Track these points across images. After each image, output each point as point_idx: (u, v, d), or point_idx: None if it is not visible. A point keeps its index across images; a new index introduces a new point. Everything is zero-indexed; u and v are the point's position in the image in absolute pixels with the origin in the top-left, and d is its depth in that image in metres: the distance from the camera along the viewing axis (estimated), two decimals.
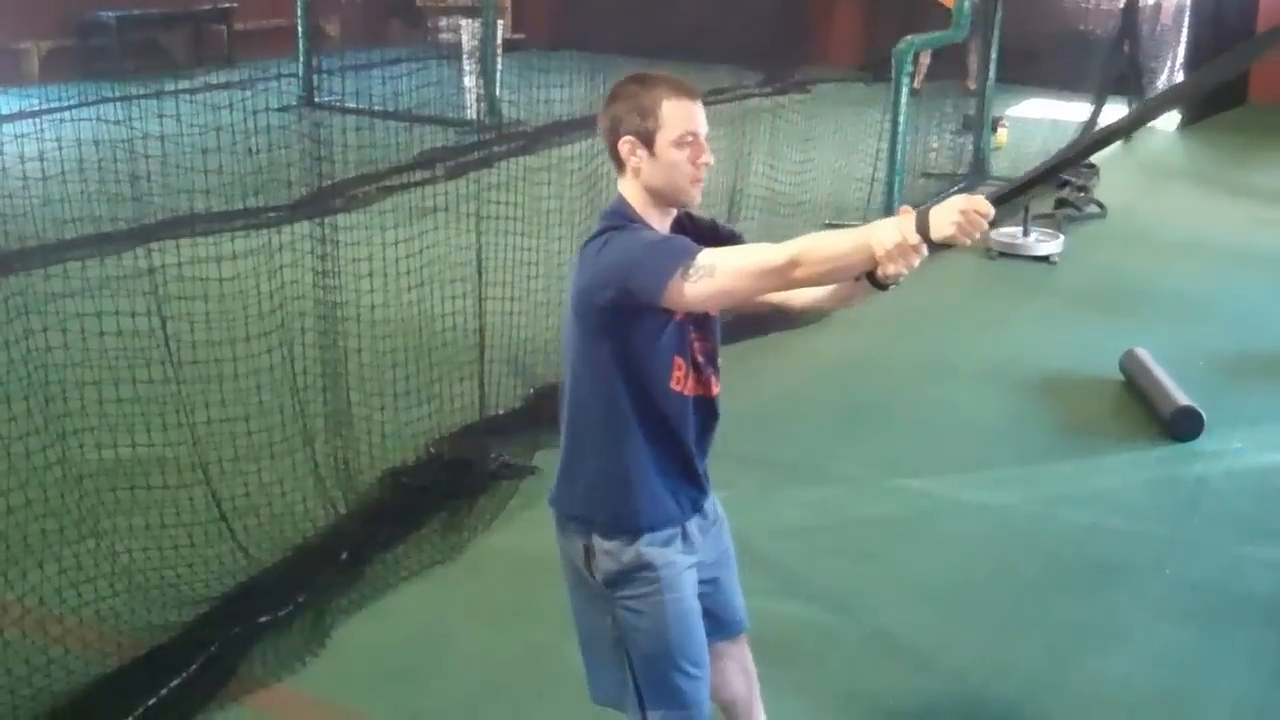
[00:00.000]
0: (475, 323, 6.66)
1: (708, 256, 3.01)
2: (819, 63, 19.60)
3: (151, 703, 4.47)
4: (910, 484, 6.26)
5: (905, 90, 10.85)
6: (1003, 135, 14.30)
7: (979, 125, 13.29)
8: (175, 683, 4.57)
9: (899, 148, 11.00)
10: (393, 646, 4.93)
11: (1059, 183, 12.42)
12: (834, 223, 10.75)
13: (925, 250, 2.88)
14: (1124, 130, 3.03)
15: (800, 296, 3.47)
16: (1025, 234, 10.56)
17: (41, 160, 5.29)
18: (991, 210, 2.88)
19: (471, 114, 14.16)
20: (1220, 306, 9.37)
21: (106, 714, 4.39)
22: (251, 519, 5.40)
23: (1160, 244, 11.19)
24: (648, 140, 3.20)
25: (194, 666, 4.66)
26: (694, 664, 3.38)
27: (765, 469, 6.41)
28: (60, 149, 6.39)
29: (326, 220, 5.78)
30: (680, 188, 3.22)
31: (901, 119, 10.65)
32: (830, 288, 3.38)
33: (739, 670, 3.81)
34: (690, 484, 3.42)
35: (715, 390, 3.43)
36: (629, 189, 3.28)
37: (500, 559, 5.48)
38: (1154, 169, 14.63)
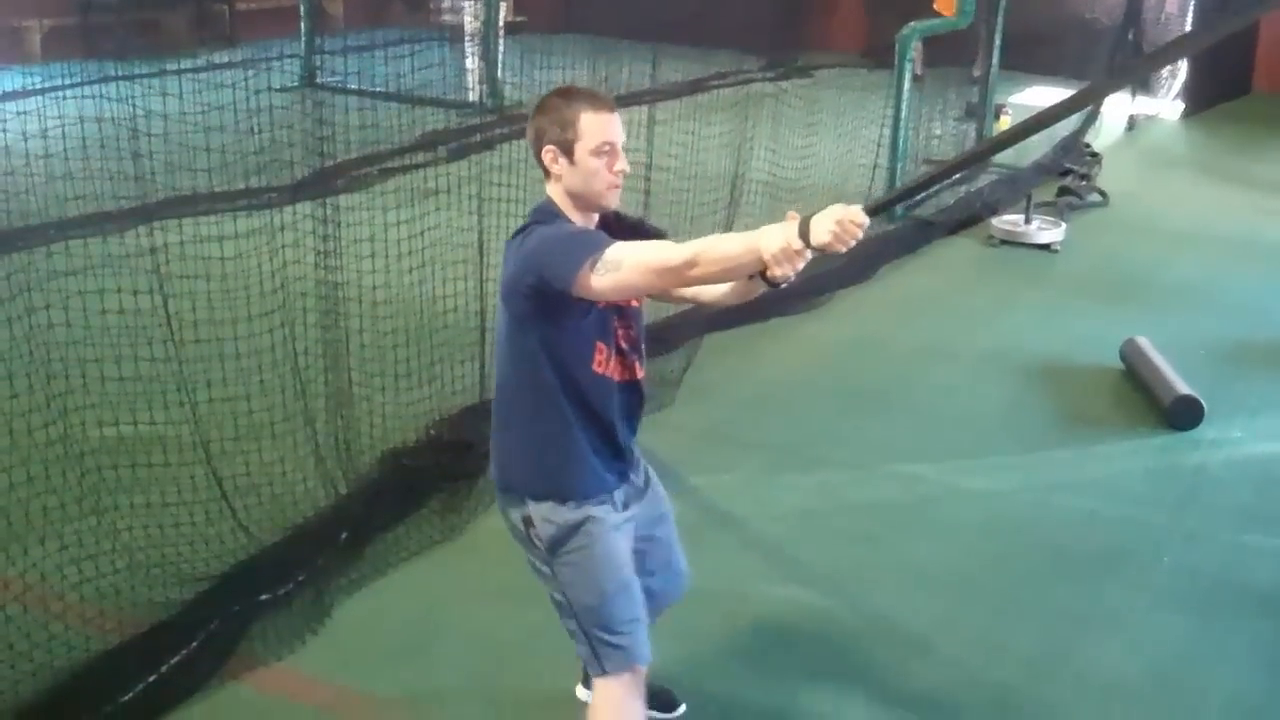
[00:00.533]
0: (476, 305, 6.67)
1: (615, 251, 3.29)
2: (821, 48, 19.57)
3: (151, 679, 4.49)
4: (909, 469, 6.27)
5: (908, 76, 10.85)
6: (1005, 122, 14.26)
7: (982, 112, 13.27)
8: (175, 660, 4.59)
9: (901, 134, 11.00)
10: (392, 626, 4.94)
11: (1061, 170, 12.43)
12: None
13: (808, 254, 3.16)
14: (1043, 124, 3.06)
15: (706, 292, 3.74)
16: (1027, 222, 10.56)
17: (44, 138, 5.29)
18: (866, 220, 3.15)
19: (473, 96, 14.15)
20: (1221, 296, 9.37)
21: (107, 690, 4.40)
22: (252, 498, 5.41)
23: (1162, 233, 11.18)
24: (568, 150, 3.49)
25: (194, 644, 4.67)
26: (632, 611, 3.67)
27: (765, 453, 6.42)
28: (63, 126, 6.38)
29: (328, 201, 5.78)
30: (598, 192, 3.52)
31: (904, 105, 10.64)
32: (727, 285, 3.65)
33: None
34: (615, 457, 3.70)
35: (640, 374, 3.73)
36: (554, 192, 3.57)
37: (499, 540, 5.42)
38: (1157, 158, 14.63)
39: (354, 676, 4.69)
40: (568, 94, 3.56)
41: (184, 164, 6.00)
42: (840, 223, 3.12)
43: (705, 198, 8.30)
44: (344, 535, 5.39)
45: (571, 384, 3.56)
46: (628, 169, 3.56)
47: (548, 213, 3.55)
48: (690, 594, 5.08)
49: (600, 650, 3.65)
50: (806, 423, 6.83)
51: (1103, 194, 12.08)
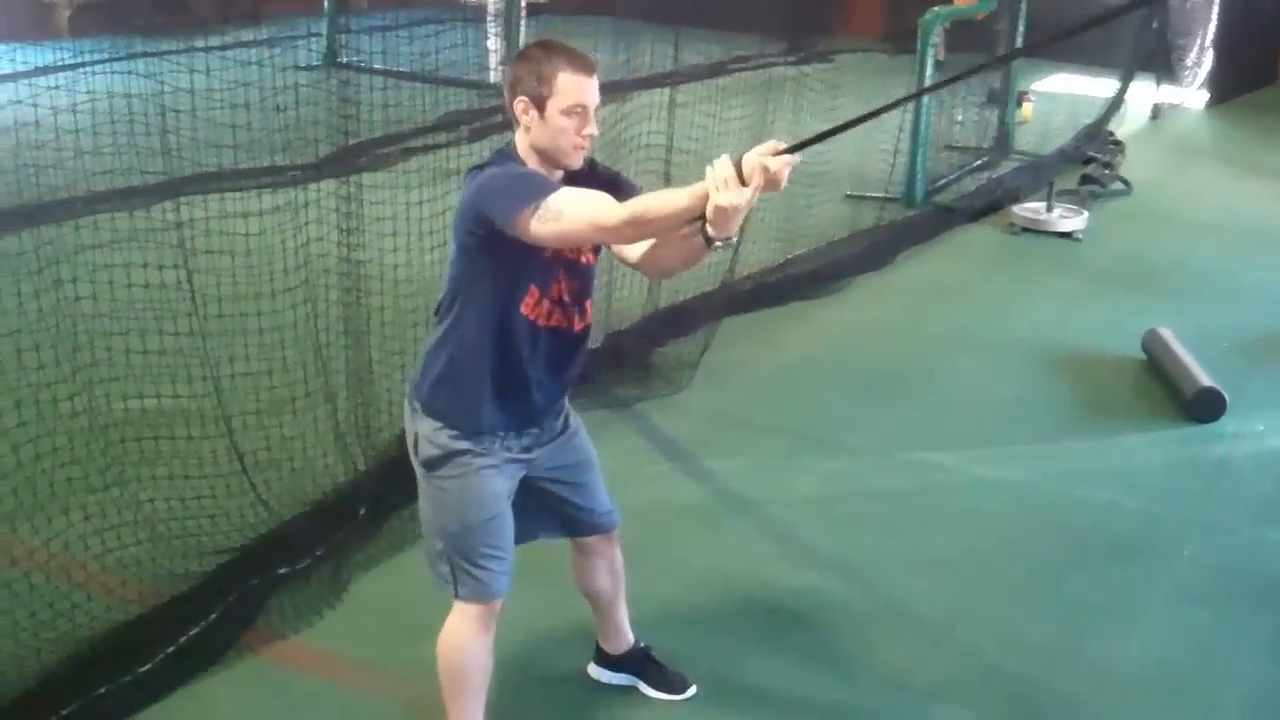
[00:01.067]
0: None
1: (559, 199, 3.36)
2: (843, 33, 19.53)
3: (170, 650, 4.52)
4: (928, 457, 6.27)
5: (930, 62, 10.83)
6: (1028, 109, 14.28)
7: (1004, 99, 13.25)
8: (194, 631, 4.62)
9: (923, 120, 11.00)
10: (408, 601, 4.96)
11: (1084, 158, 12.41)
12: (855, 194, 10.76)
13: (747, 196, 3.16)
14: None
15: (650, 255, 3.71)
16: (1049, 209, 10.54)
17: (74, 113, 5.31)
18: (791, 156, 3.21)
19: (495, 77, 14.13)
20: (1245, 287, 9.36)
21: (127, 659, 4.43)
22: (272, 472, 5.44)
23: (1186, 223, 11.15)
24: (540, 104, 3.50)
25: (213, 616, 4.71)
26: (494, 548, 3.74)
27: (782, 438, 6.42)
28: (92, 102, 6.40)
29: (351, 179, 5.79)
30: (563, 150, 3.54)
31: None
32: (673, 249, 3.58)
33: (606, 567, 4.23)
34: (519, 404, 3.73)
35: (577, 327, 3.75)
36: (519, 142, 3.60)
37: None
38: (1181, 147, 14.59)
39: (370, 651, 4.72)
40: (549, 48, 3.55)
41: (210, 140, 6.01)
42: (764, 155, 3.17)
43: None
44: (362, 511, 5.42)
45: (496, 321, 3.61)
46: (596, 133, 3.57)
47: (506, 156, 3.59)
48: (705, 577, 5.14)
49: (458, 575, 3.74)
50: (824, 408, 6.83)
51: (1126, 182, 12.05)
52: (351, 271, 5.70)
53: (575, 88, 3.49)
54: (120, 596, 4.77)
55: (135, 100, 6.19)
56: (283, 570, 5.04)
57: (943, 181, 11.65)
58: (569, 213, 3.34)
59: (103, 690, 4.29)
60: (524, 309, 3.62)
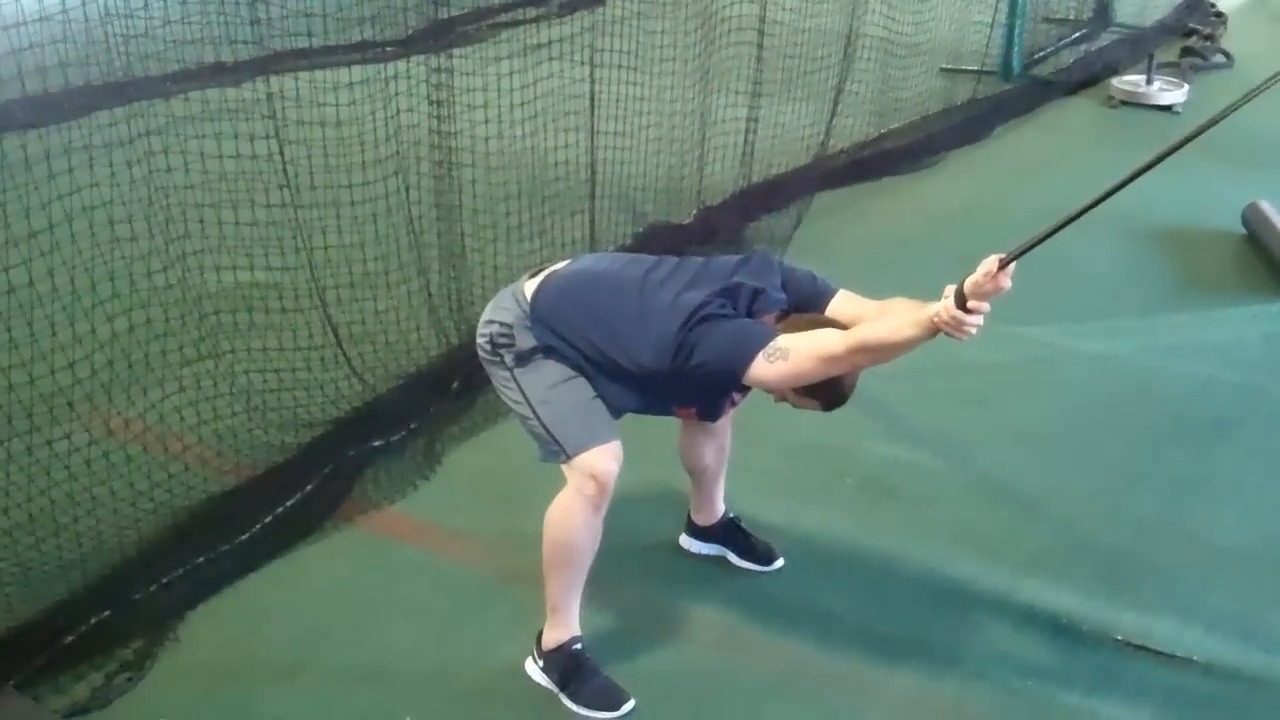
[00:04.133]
0: (586, 159, 6.63)
1: (784, 340, 3.47)
2: None
3: (268, 520, 4.59)
4: (1022, 331, 6.19)
5: None
6: None
7: None
8: (291, 502, 4.69)
9: None
10: (502, 474, 5.00)
11: (1185, 30, 12.10)
12: (951, 67, 10.55)
13: (983, 309, 3.26)
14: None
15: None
16: (1149, 83, 10.30)
17: None
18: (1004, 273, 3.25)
19: None
20: None
21: (225, 530, 4.51)
22: (366, 346, 5.48)
23: None
24: None
25: (309, 487, 4.77)
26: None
27: None
28: None
29: (440, 54, 5.75)
30: None
31: None
32: None
33: (715, 446, 4.30)
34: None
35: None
36: None
37: None
38: None
39: (463, 521, 4.78)
40: None
41: (300, 9, 5.98)
42: (974, 280, 3.25)
43: (818, 52, 8.17)
44: (455, 385, 5.45)
45: (652, 401, 3.82)
46: None
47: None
48: (797, 449, 5.13)
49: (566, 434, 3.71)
50: (917, 282, 6.66)
51: (1227, 55, 11.73)
52: (442, 145, 5.67)
53: None
54: (216, 468, 4.84)
55: None
56: (378, 443, 5.10)
57: (1040, 54, 11.40)
58: (795, 350, 3.41)
59: (201, 560, 4.38)
60: (678, 411, 3.96)
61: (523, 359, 3.71)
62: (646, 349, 3.58)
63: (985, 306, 3.25)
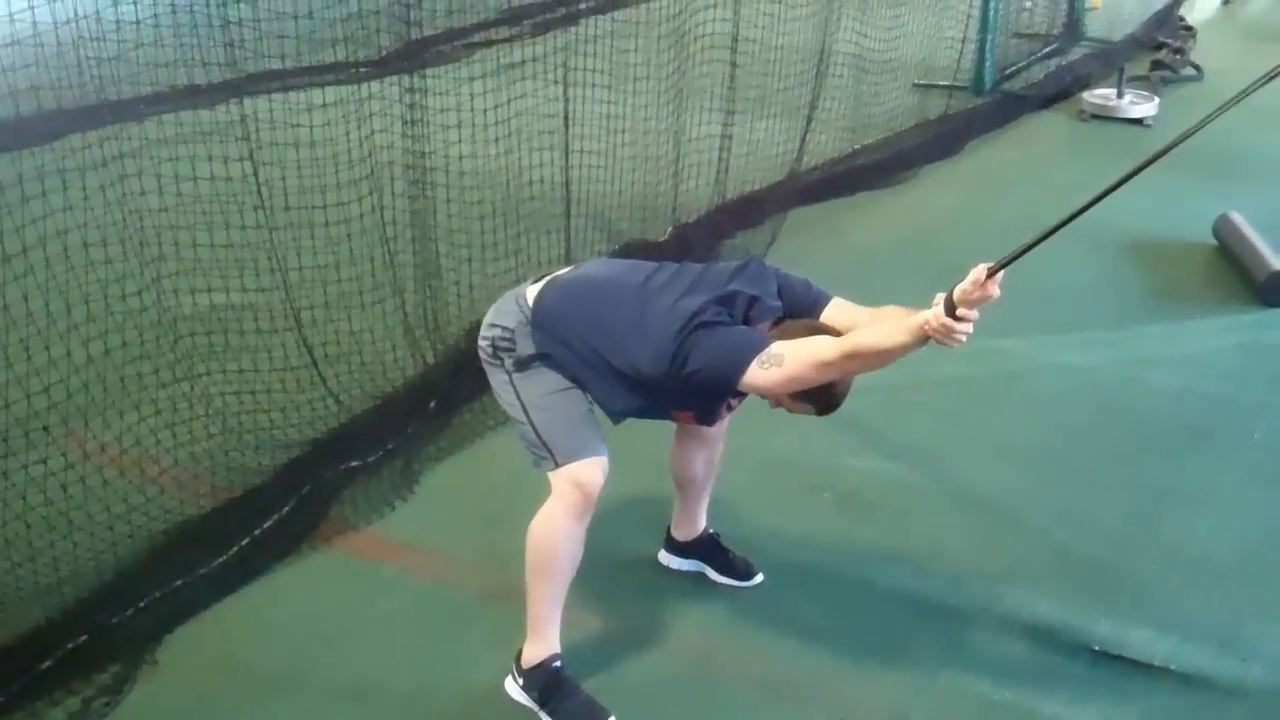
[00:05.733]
0: (561, 178, 6.64)
1: (778, 347, 3.50)
2: None
3: (245, 542, 4.58)
4: (997, 344, 6.19)
5: None
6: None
7: None
8: (268, 523, 4.68)
9: (991, 7, 10.80)
10: (478, 492, 5.01)
11: (1155, 44, 12.17)
12: (923, 83, 10.58)
13: (971, 317, 3.32)
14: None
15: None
16: (1119, 96, 10.37)
17: (135, 3, 5.29)
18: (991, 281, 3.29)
19: None
20: None
21: (202, 552, 4.49)
22: (342, 366, 5.48)
23: (1258, 108, 10.81)
24: None
25: (286, 508, 4.76)
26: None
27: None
28: None
29: (414, 73, 5.75)
30: None
31: None
32: None
33: (706, 457, 4.31)
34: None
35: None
36: None
37: None
38: (1253, 32, 14.25)
39: (441, 541, 4.77)
40: None
41: (273, 33, 5.99)
42: (963, 288, 3.29)
43: (791, 69, 8.20)
44: (432, 404, 5.45)
45: (650, 405, 3.82)
46: None
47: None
48: (772, 465, 5.13)
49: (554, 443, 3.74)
50: (891, 296, 6.67)
51: (1197, 68, 11.80)
52: (417, 165, 5.68)
53: None
54: (193, 490, 4.82)
55: None
56: (355, 463, 5.09)
57: (1012, 69, 11.45)
58: (790, 357, 3.44)
59: (179, 583, 4.36)
60: (676, 414, 3.99)
61: (522, 364, 3.74)
62: (645, 354, 3.60)
63: (974, 314, 3.30)
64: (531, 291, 3.82)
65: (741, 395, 3.77)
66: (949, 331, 3.29)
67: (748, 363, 3.47)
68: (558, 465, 3.69)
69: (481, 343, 3.84)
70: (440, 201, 5.92)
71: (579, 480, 3.66)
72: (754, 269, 3.85)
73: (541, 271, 3.97)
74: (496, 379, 3.83)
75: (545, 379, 3.73)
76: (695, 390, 3.64)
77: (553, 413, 3.72)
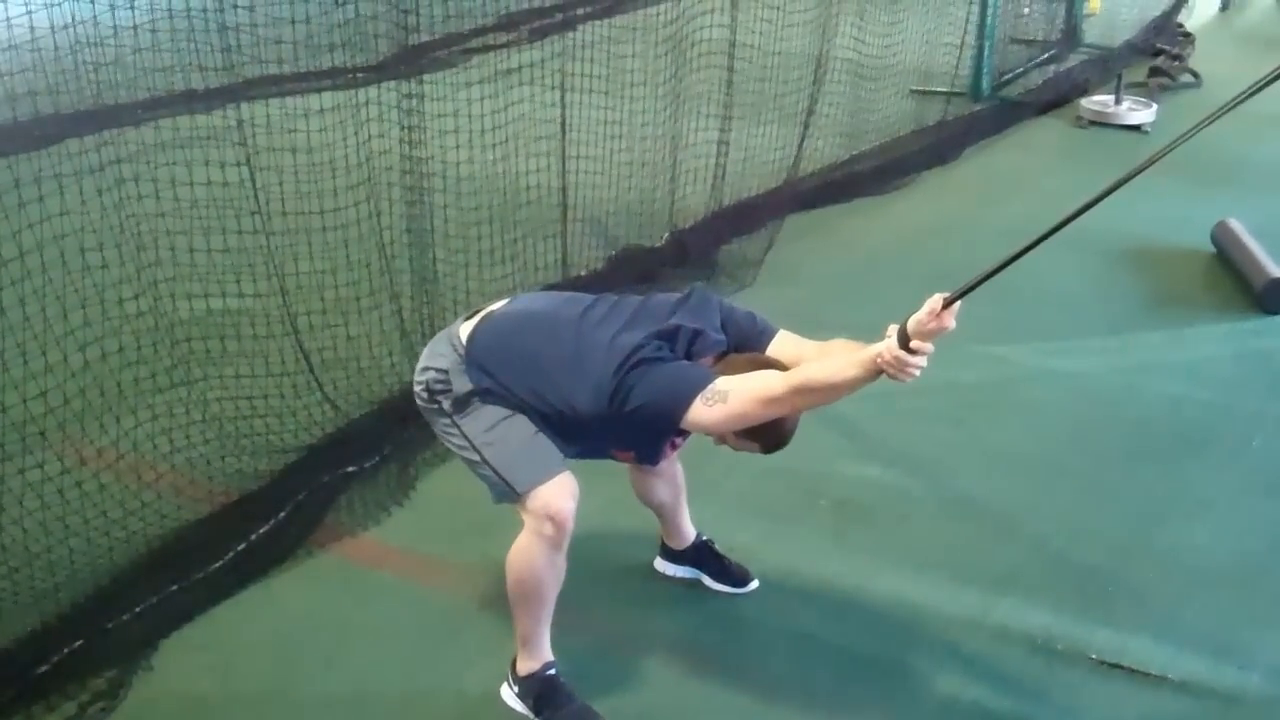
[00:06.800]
0: (558, 184, 6.64)
1: (723, 383, 3.43)
2: None
3: (241, 548, 4.58)
4: (994, 350, 6.21)
5: None
6: (1096, 1, 13.97)
7: None
8: (264, 529, 4.67)
9: (989, 12, 10.80)
10: (474, 500, 4.93)
11: (1153, 50, 12.18)
12: (920, 89, 10.58)
13: (925, 350, 3.24)
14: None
15: None
16: (1117, 102, 10.37)
17: (132, 8, 5.29)
18: (945, 309, 3.22)
19: None
20: None
21: (198, 557, 4.49)
22: (339, 372, 5.47)
23: (1257, 115, 10.83)
24: None
25: (282, 514, 4.75)
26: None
27: (846, 333, 6.21)
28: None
29: (412, 79, 5.75)
30: None
31: None
32: None
33: (666, 482, 4.29)
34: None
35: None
36: None
37: None
38: (1251, 39, 14.27)
39: (437, 547, 4.78)
40: None
41: (270, 38, 5.98)
42: (918, 319, 3.22)
43: (789, 75, 8.20)
44: None
45: (589, 447, 3.80)
46: None
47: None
48: (768, 471, 5.12)
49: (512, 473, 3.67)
50: (888, 303, 6.65)
51: (1195, 75, 11.81)
52: (414, 170, 5.67)
53: None
54: (189, 496, 4.82)
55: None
56: (351, 469, 5.08)
57: (1009, 75, 11.46)
58: (735, 393, 3.37)
59: (174, 588, 4.36)
60: (617, 454, 3.94)
61: (460, 404, 3.67)
62: (583, 392, 3.54)
63: (929, 347, 3.22)
64: (465, 329, 3.76)
65: (685, 434, 3.75)
66: (902, 365, 3.22)
67: (691, 400, 3.39)
68: (520, 495, 3.62)
69: (416, 388, 3.78)
70: (437, 207, 5.93)
71: (549, 511, 3.59)
72: (696, 300, 3.77)
73: (475, 308, 3.91)
74: (439, 424, 3.78)
75: (487, 413, 3.65)
76: (636, 429, 3.60)
77: (503, 444, 3.64)
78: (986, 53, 10.87)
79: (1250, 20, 15.30)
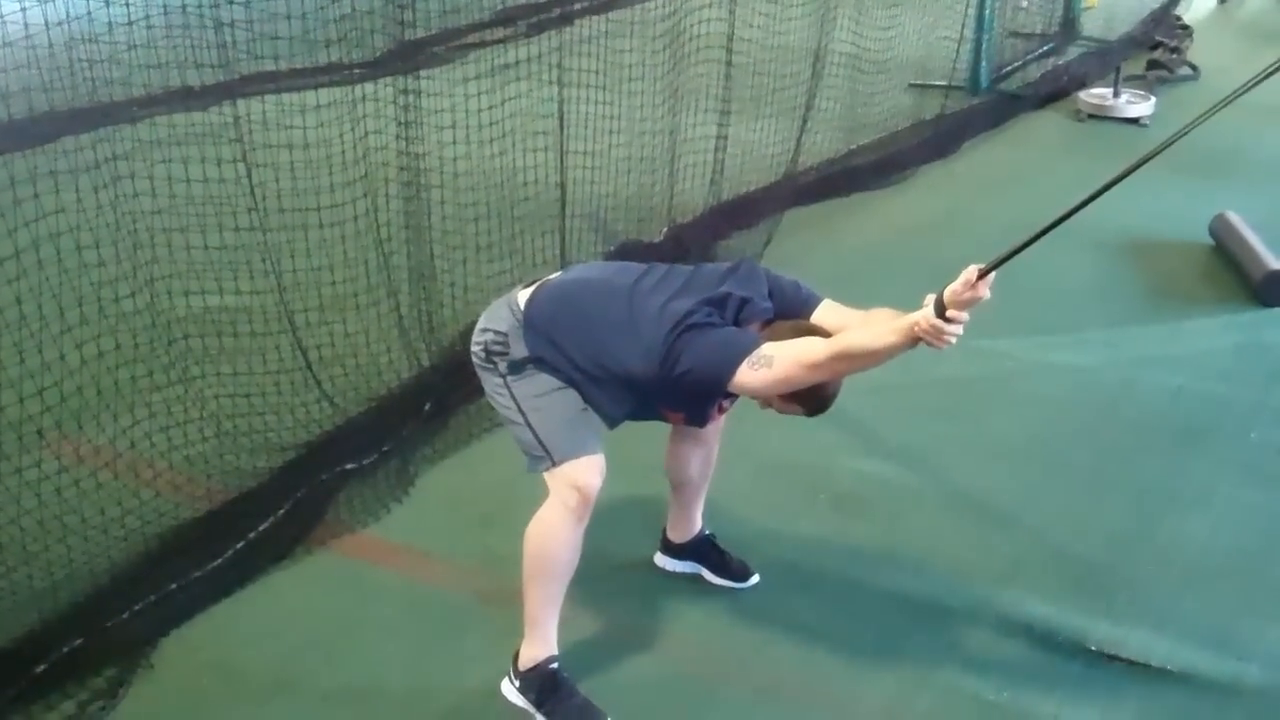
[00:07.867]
0: (556, 178, 6.63)
1: (768, 348, 3.50)
2: None
3: (240, 545, 4.57)
4: (993, 344, 6.20)
5: None
6: None
7: None
8: (264, 526, 4.66)
9: (987, 6, 10.79)
10: (474, 495, 5.00)
11: (1151, 43, 12.17)
12: (919, 83, 10.58)
13: (962, 319, 3.31)
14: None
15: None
16: (1115, 95, 10.36)
17: (127, 4, 5.27)
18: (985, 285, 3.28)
19: None
20: None
21: (197, 555, 4.48)
22: (337, 369, 5.46)
23: (1254, 108, 10.79)
24: None
25: (281, 511, 4.74)
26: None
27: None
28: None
29: (408, 74, 5.74)
30: None
31: None
32: None
33: (703, 457, 4.32)
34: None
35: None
36: None
37: None
38: (1249, 32, 14.26)
39: (437, 543, 4.77)
40: None
41: (266, 34, 5.97)
42: (954, 289, 3.28)
43: (787, 69, 8.19)
44: (427, 406, 5.44)
45: (641, 406, 3.84)
46: None
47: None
48: (769, 467, 5.13)
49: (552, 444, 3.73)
50: (888, 297, 6.68)
51: (1193, 67, 11.80)
52: (411, 166, 5.67)
53: None
54: (188, 493, 4.81)
55: None
56: (350, 466, 5.07)
57: (1008, 69, 11.45)
58: (779, 358, 3.45)
59: (174, 586, 4.35)
60: (667, 414, 4.00)
61: (516, 368, 3.74)
62: (635, 355, 3.61)
63: (964, 316, 3.29)
64: (523, 295, 3.82)
65: (733, 396, 3.78)
66: (939, 333, 3.29)
67: (738, 364, 3.47)
68: (555, 465, 3.68)
69: (474, 347, 3.83)
70: (435, 203, 5.91)
71: (577, 482, 3.65)
72: (745, 270, 3.84)
73: (533, 276, 3.97)
74: (490, 383, 3.82)
75: (539, 381, 3.72)
76: (686, 391, 3.66)
77: (548, 413, 3.71)
78: (985, 46, 10.86)
79: (1248, 13, 15.28)
